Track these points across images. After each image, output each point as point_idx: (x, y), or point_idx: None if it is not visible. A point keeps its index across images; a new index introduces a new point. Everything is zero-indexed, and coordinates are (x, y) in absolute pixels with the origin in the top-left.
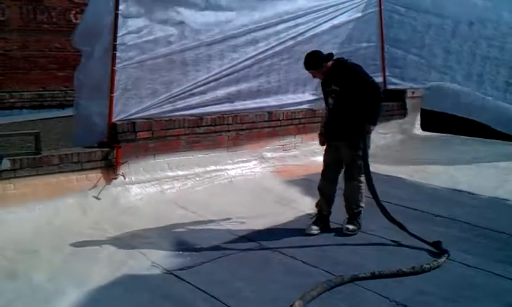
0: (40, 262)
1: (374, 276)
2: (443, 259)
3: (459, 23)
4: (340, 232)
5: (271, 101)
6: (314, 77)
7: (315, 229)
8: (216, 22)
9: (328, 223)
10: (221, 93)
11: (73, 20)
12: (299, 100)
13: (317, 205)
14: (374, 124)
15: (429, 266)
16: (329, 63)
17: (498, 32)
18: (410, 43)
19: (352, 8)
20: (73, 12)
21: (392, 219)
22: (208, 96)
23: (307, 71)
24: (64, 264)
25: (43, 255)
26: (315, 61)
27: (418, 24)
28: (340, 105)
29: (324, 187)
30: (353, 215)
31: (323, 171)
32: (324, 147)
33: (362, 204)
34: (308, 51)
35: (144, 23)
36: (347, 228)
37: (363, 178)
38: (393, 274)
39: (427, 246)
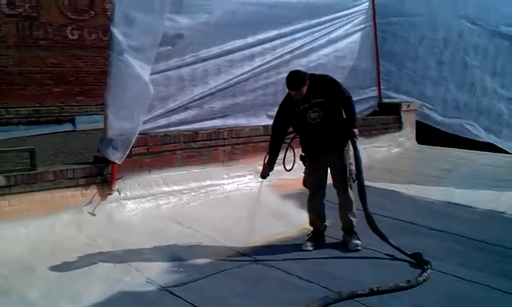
0: (35, 279)
1: (372, 292)
2: (428, 270)
3: (450, 33)
4: (337, 247)
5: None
6: (295, 97)
7: (310, 245)
8: (213, 36)
9: (323, 238)
10: (216, 107)
11: (70, 36)
12: None
13: (312, 224)
14: (356, 126)
15: (422, 278)
16: (308, 80)
17: (482, 40)
18: (404, 56)
19: (347, 23)
20: (70, 28)
21: (376, 230)
22: (204, 111)
23: (291, 92)
24: (59, 281)
25: (38, 272)
26: (300, 81)
27: (411, 37)
28: (327, 116)
29: (316, 206)
30: (352, 228)
31: (312, 192)
32: (307, 167)
33: (356, 215)
34: (289, 72)
35: (142, 38)
36: (357, 244)
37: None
38: (390, 289)
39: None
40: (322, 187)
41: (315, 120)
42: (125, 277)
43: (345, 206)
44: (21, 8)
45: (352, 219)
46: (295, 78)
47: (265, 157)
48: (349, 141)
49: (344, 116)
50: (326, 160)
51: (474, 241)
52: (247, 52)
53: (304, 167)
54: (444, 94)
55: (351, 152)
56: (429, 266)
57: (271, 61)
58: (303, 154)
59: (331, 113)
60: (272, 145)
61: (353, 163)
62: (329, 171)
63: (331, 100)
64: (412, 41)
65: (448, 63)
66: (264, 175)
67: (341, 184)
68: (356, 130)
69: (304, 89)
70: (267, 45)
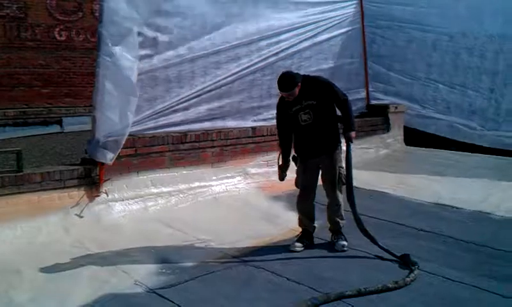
0: (22, 282)
1: (360, 293)
2: (416, 271)
3: (440, 36)
4: (326, 248)
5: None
6: (288, 98)
7: (299, 246)
8: (200, 37)
9: (312, 239)
10: (203, 109)
11: (57, 37)
12: None
13: (301, 224)
14: (354, 129)
15: (410, 279)
16: (300, 81)
17: (478, 42)
18: (393, 57)
19: (334, 25)
20: (57, 29)
21: (365, 232)
22: (192, 112)
23: (282, 93)
24: (46, 283)
25: (25, 275)
26: (291, 82)
27: (399, 39)
28: (318, 118)
29: (306, 207)
30: (339, 229)
31: (302, 193)
32: (298, 169)
33: (344, 217)
34: (280, 73)
35: (130, 39)
36: (343, 245)
37: (342, 189)
38: (378, 290)
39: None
40: (313, 188)
41: (306, 122)
42: (112, 279)
43: (333, 207)
44: (8, 9)
45: (340, 220)
46: (286, 80)
47: (278, 159)
48: (340, 144)
49: (340, 118)
50: (317, 162)
51: (462, 242)
52: (232, 53)
53: (296, 168)
54: (434, 96)
55: (342, 154)
56: (416, 267)
57: (256, 62)
58: (295, 154)
59: (322, 115)
60: (281, 145)
61: (344, 166)
62: (320, 172)
63: (323, 103)
64: (400, 44)
65: (438, 65)
66: (282, 177)
67: (330, 186)
68: (353, 134)
69: (296, 90)
70: (252, 47)
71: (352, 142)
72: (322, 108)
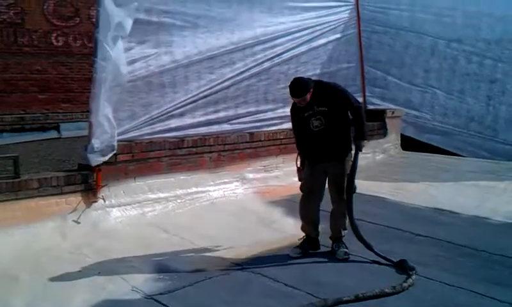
0: (19, 288)
1: (357, 299)
2: (413, 276)
3: (437, 42)
4: (323, 254)
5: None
6: (299, 104)
7: (298, 252)
8: (194, 43)
9: (314, 246)
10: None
11: (54, 43)
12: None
13: (304, 230)
14: (365, 138)
15: (407, 284)
16: (312, 87)
17: (476, 49)
18: (390, 63)
19: (330, 30)
20: (54, 35)
21: (361, 239)
22: (188, 118)
23: (293, 99)
24: (43, 290)
25: (22, 281)
26: (303, 88)
27: (396, 44)
28: (330, 124)
29: (311, 212)
30: (341, 237)
31: (307, 196)
32: (305, 171)
33: (346, 227)
34: (293, 79)
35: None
36: (345, 253)
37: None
38: (375, 295)
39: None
40: (319, 193)
41: (318, 128)
42: (110, 285)
43: (337, 215)
44: (5, 15)
45: (342, 230)
46: (297, 86)
47: (297, 161)
48: (351, 151)
49: (352, 126)
50: (325, 167)
51: (459, 247)
52: (227, 58)
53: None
54: (431, 101)
55: (350, 162)
56: (414, 272)
57: (252, 67)
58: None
59: (334, 122)
60: (299, 148)
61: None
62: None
63: (336, 109)
64: (397, 49)
65: (435, 71)
66: (301, 177)
67: (336, 193)
68: (363, 142)
69: (308, 96)
70: (247, 51)
71: (361, 150)
72: (334, 115)
